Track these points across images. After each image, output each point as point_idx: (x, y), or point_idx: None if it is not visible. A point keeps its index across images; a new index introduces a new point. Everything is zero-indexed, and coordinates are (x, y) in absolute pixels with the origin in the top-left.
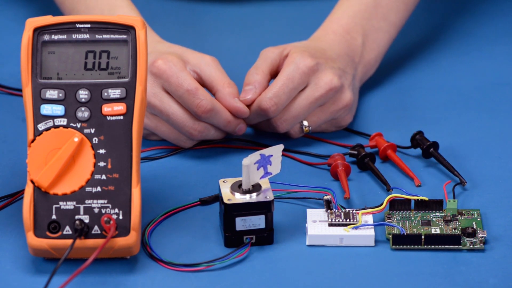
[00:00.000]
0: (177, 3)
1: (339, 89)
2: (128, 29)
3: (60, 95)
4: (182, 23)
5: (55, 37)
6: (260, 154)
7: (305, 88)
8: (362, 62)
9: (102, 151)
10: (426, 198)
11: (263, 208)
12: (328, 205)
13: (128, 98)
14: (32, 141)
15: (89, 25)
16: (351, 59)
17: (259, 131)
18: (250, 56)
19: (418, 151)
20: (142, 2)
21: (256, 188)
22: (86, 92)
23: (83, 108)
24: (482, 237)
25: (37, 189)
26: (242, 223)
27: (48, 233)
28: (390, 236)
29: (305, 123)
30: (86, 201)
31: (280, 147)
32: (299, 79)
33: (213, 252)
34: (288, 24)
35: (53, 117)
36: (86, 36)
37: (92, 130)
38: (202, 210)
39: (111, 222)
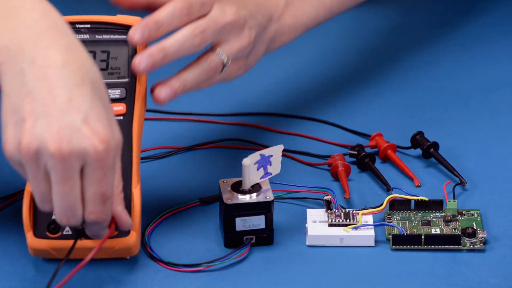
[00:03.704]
0: None
1: (242, 26)
2: (128, 29)
3: None
4: None
5: None
6: (260, 154)
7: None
8: (280, 22)
9: None
10: (426, 198)
11: (263, 208)
12: (328, 205)
13: (128, 98)
14: None
15: (88, 25)
16: (265, 8)
17: (259, 131)
18: None
19: (418, 151)
20: None
21: (256, 188)
22: None
23: None
24: (482, 237)
25: None
26: (242, 223)
27: (48, 234)
28: (390, 236)
29: (222, 54)
30: None
31: (280, 147)
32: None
33: (213, 252)
34: None
35: None
36: (86, 36)
37: None
38: (202, 210)
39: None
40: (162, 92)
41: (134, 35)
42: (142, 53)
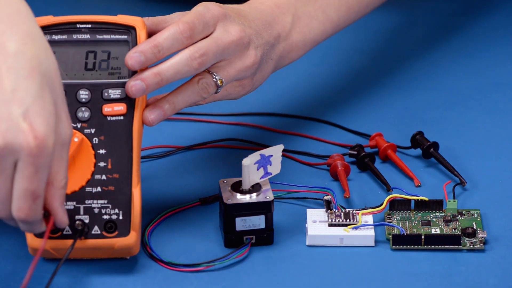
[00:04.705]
0: (178, 4)
1: (246, 45)
2: (129, 29)
3: None
4: None
5: (55, 37)
6: (260, 154)
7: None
8: (289, 40)
9: (102, 151)
10: (426, 198)
11: (263, 208)
12: (328, 205)
13: (128, 98)
14: None
15: (89, 25)
16: (272, 28)
17: (259, 131)
18: None
19: (418, 151)
20: (141, 4)
21: (256, 188)
22: (87, 92)
23: (83, 108)
24: (482, 237)
25: None
26: (242, 223)
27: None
28: (390, 236)
29: (216, 75)
30: (86, 201)
31: (280, 147)
32: (200, 24)
33: (213, 252)
34: None
35: None
36: (87, 36)
37: (93, 131)
38: (202, 210)
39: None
40: (151, 114)
41: (130, 59)
42: (136, 76)
